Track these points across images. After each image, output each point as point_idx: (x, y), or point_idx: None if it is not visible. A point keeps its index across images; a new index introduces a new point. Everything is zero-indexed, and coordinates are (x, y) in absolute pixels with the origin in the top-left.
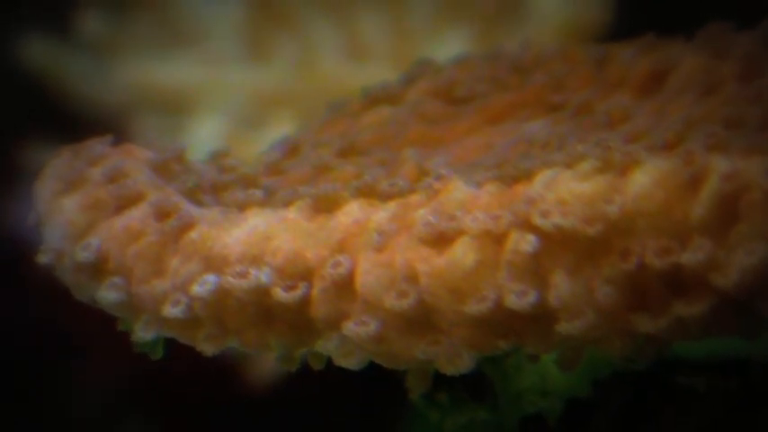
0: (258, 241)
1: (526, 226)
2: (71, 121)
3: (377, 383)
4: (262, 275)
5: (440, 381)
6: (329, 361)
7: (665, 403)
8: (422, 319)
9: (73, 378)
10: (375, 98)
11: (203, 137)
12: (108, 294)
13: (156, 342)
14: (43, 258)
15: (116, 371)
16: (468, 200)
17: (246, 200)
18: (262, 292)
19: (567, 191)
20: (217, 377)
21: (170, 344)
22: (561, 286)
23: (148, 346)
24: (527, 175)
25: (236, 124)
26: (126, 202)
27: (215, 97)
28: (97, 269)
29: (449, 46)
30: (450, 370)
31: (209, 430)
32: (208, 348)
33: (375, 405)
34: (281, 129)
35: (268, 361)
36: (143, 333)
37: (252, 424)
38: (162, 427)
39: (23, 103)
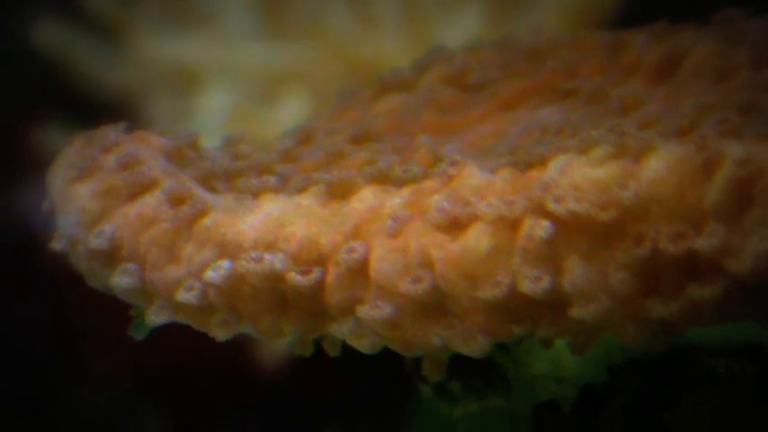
0: (272, 227)
1: (540, 211)
2: (83, 104)
3: (386, 373)
4: (276, 261)
5: (452, 371)
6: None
7: (680, 390)
8: (436, 305)
9: (82, 368)
10: (387, 86)
11: (215, 114)
12: (121, 281)
13: (143, 324)
14: (57, 245)
15: (125, 361)
16: (482, 186)
17: (260, 186)
18: (276, 278)
19: (581, 176)
20: (227, 363)
21: (179, 334)
22: (575, 271)
23: (135, 328)
24: (541, 161)
25: (249, 101)
26: (140, 189)
27: (227, 74)
28: (111, 256)
29: (461, 23)
30: (465, 350)
31: (221, 417)
32: (220, 334)
33: (384, 395)
34: (293, 105)
35: (277, 349)
36: (156, 319)
37: (259, 413)
38: (172, 418)
39: (35, 87)
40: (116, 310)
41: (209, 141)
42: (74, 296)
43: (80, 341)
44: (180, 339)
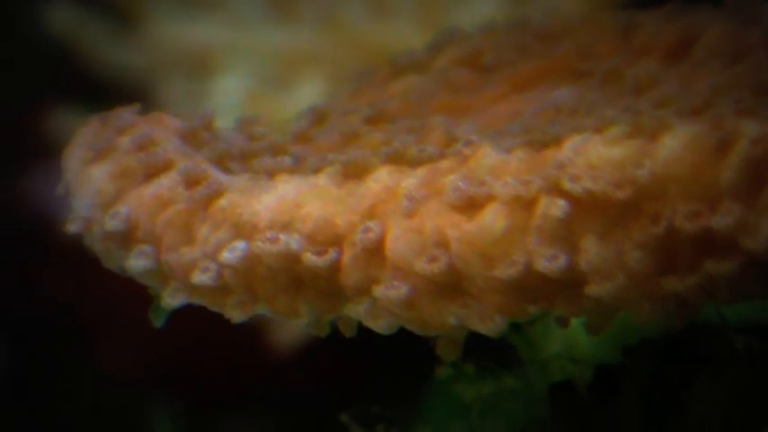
0: (288, 208)
1: (556, 191)
2: (97, 88)
3: (400, 355)
4: (292, 242)
5: (466, 352)
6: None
7: (695, 370)
8: (452, 284)
9: (96, 354)
10: (402, 67)
11: (229, 97)
12: (137, 262)
13: (161, 309)
14: (72, 227)
15: (140, 345)
16: (497, 165)
17: (275, 167)
18: (292, 258)
19: (596, 155)
20: (242, 349)
21: (194, 320)
22: (591, 250)
23: (154, 311)
24: (556, 141)
25: (262, 85)
26: (155, 171)
27: (241, 58)
28: (126, 237)
29: (476, 9)
30: (481, 329)
31: (234, 401)
32: (236, 315)
33: (398, 377)
34: (307, 89)
35: (291, 331)
36: (171, 300)
37: (273, 394)
38: (184, 405)
39: (49, 71)
40: (133, 293)
41: (224, 125)
42: (89, 279)
43: (95, 325)
44: (194, 326)
